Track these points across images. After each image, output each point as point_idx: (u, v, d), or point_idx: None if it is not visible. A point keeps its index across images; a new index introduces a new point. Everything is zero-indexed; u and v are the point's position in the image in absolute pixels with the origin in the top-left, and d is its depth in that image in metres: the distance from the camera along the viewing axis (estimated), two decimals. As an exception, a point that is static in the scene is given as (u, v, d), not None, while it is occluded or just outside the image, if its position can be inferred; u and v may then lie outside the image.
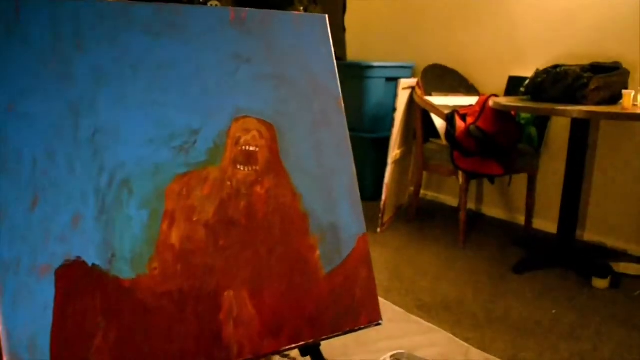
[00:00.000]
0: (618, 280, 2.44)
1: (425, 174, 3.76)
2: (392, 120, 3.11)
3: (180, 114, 0.88)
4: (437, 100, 3.20)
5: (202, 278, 0.83)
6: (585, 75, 2.36)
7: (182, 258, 0.82)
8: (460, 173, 2.93)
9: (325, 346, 1.78)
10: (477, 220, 3.43)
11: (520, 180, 3.23)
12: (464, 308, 2.22)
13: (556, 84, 2.43)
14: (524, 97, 2.69)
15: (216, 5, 3.30)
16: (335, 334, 0.95)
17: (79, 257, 0.76)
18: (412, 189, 3.47)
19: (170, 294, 0.81)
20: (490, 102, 2.71)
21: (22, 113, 0.79)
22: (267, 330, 0.87)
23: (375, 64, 3.70)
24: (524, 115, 3.08)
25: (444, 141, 3.08)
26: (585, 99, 2.34)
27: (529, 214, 3.16)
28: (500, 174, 2.90)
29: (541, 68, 2.62)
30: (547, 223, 3.16)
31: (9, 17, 0.79)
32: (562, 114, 2.36)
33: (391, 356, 1.60)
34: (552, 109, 2.34)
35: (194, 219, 0.84)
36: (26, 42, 0.81)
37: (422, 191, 3.89)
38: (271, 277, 0.88)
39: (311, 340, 0.93)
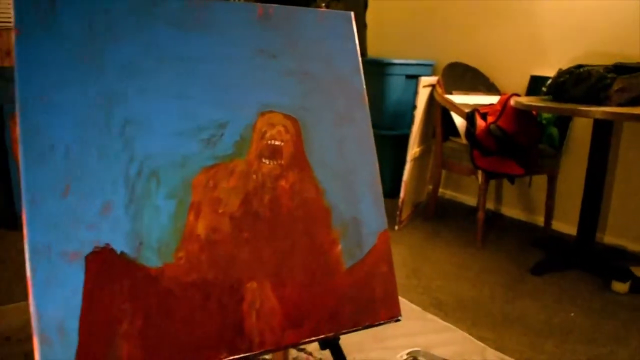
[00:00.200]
0: (638, 284, 2.41)
1: (444, 172, 3.75)
2: (412, 117, 3.10)
3: (207, 107, 0.90)
4: (458, 98, 3.19)
5: (226, 269, 0.85)
6: (609, 75, 2.33)
7: (207, 248, 0.84)
8: (479, 172, 2.91)
9: (342, 342, 1.79)
10: (495, 220, 3.41)
11: (540, 181, 3.20)
12: (480, 308, 2.21)
13: (579, 84, 2.41)
14: (546, 97, 2.67)
15: (241, 1, 3.33)
16: (354, 329, 0.97)
17: (107, 245, 0.78)
18: (430, 187, 3.46)
19: (194, 283, 0.82)
20: (512, 102, 2.69)
21: (55, 104, 0.81)
22: (288, 322, 0.89)
23: (396, 61, 3.69)
24: (545, 115, 3.05)
25: (463, 140, 3.07)
26: (608, 100, 2.32)
27: (549, 215, 3.13)
28: (520, 174, 2.88)
29: (564, 68, 2.60)
30: (566, 225, 3.14)
31: (45, 9, 0.81)
32: (585, 114, 2.33)
33: (408, 353, 1.61)
34: (574, 110, 2.31)
35: (220, 211, 0.86)
36: (60, 34, 0.83)
37: (440, 190, 3.88)
38: (293, 270, 0.90)
39: (331, 334, 0.94)
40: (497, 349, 1.88)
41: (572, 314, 2.18)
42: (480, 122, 2.83)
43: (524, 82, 3.30)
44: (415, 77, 3.16)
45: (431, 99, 3.26)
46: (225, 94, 0.91)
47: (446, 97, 3.14)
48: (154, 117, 0.86)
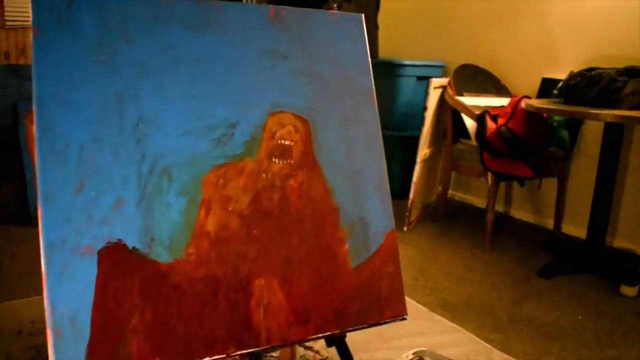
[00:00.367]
0: (647, 288, 2.41)
1: (454, 174, 3.75)
2: (422, 119, 3.11)
3: (218, 106, 0.91)
4: (468, 100, 3.19)
5: (235, 265, 0.87)
6: (620, 78, 2.32)
7: (217, 245, 0.86)
8: (489, 174, 2.91)
9: (348, 341, 1.81)
10: (505, 222, 3.41)
11: (550, 184, 3.19)
12: (487, 309, 2.22)
13: (590, 87, 2.40)
14: (557, 100, 2.66)
15: (252, 1, 3.35)
16: (360, 326, 0.98)
17: (120, 240, 0.80)
18: (440, 188, 3.47)
19: (204, 279, 0.84)
20: (523, 104, 2.68)
21: (70, 102, 0.83)
22: (295, 319, 0.90)
23: (407, 62, 3.70)
24: (556, 117, 3.04)
25: (473, 142, 3.07)
26: (619, 103, 2.31)
27: (559, 218, 3.12)
28: (530, 177, 2.88)
29: (575, 70, 2.59)
30: (576, 228, 3.13)
31: (62, 10, 0.84)
32: (596, 117, 2.33)
33: (414, 353, 1.61)
34: (585, 113, 2.31)
35: (230, 209, 0.87)
36: (76, 34, 0.85)
37: (450, 191, 3.88)
38: (301, 268, 0.91)
39: (337, 332, 0.95)
40: (503, 350, 1.88)
41: (580, 317, 2.17)
42: (490, 124, 2.83)
43: (536, 85, 3.29)
44: (426, 79, 3.16)
45: (442, 101, 3.27)
46: (237, 94, 0.93)
47: (457, 99, 3.14)
48: (166, 116, 0.88)
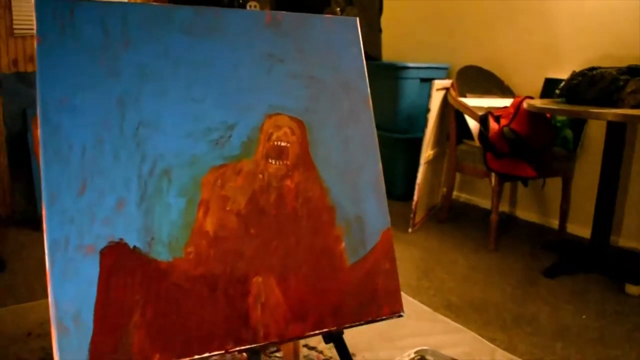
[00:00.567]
0: (652, 287, 2.40)
1: (459, 175, 3.76)
2: (425, 120, 3.12)
3: (216, 109, 0.94)
4: (471, 101, 3.20)
5: (233, 263, 0.89)
6: (622, 77, 2.33)
7: (215, 244, 0.88)
8: (492, 175, 2.92)
9: (351, 340, 1.83)
10: (510, 223, 3.41)
11: (555, 184, 3.20)
12: (491, 309, 2.23)
13: (592, 86, 2.41)
14: (559, 100, 2.67)
15: (255, 7, 3.38)
16: (357, 323, 1.00)
17: (121, 239, 0.83)
18: (444, 189, 3.48)
19: (203, 277, 0.87)
20: (525, 104, 2.70)
21: (74, 106, 0.86)
22: (292, 315, 0.93)
23: (410, 64, 3.72)
24: (559, 117, 3.05)
25: (477, 143, 3.08)
26: (621, 102, 2.32)
27: (563, 217, 3.13)
28: (533, 177, 2.89)
29: (578, 70, 2.60)
30: (581, 228, 3.12)
31: (65, 17, 0.87)
32: (597, 117, 2.33)
33: (415, 352, 1.63)
34: (586, 112, 2.32)
35: (227, 208, 0.90)
36: (79, 40, 0.88)
37: (455, 193, 3.89)
38: (298, 266, 0.93)
39: (334, 328, 0.97)
40: (507, 350, 1.89)
41: (584, 316, 2.18)
42: (493, 125, 2.84)
43: (539, 85, 3.30)
44: (429, 81, 3.17)
45: (445, 102, 3.28)
46: (234, 97, 0.95)
47: (460, 100, 3.15)
48: (166, 119, 0.90)
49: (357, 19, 1.11)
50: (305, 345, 1.86)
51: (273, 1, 3.56)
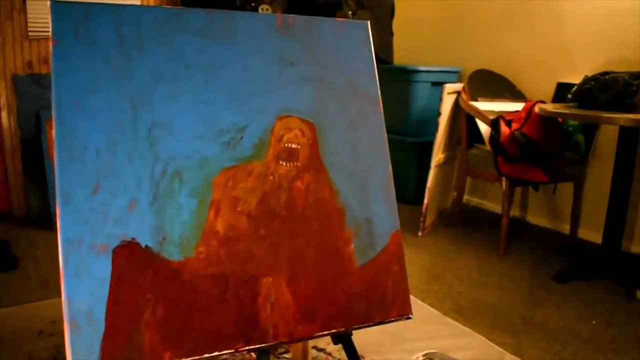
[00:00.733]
0: (664, 293, 2.38)
1: (470, 180, 3.74)
2: (437, 124, 3.12)
3: (228, 112, 0.95)
4: (483, 105, 3.19)
5: (243, 264, 0.90)
6: (635, 82, 2.32)
7: (225, 244, 0.89)
8: (503, 179, 2.91)
9: (360, 342, 1.84)
10: (521, 227, 3.40)
11: (566, 189, 3.18)
12: (501, 314, 2.22)
13: (604, 91, 2.40)
14: (571, 104, 2.66)
15: (267, 10, 3.40)
16: (366, 325, 1.00)
17: (133, 239, 0.84)
18: (455, 193, 3.47)
19: (213, 276, 0.88)
20: (536, 109, 2.69)
21: (88, 108, 0.87)
22: (301, 316, 0.93)
23: (422, 68, 3.72)
24: (571, 122, 3.03)
25: (488, 147, 3.07)
26: (634, 107, 2.30)
27: (575, 223, 3.11)
28: (544, 182, 2.87)
29: (590, 74, 2.59)
30: (593, 233, 3.10)
31: (79, 21, 0.88)
32: (609, 121, 2.32)
33: (424, 355, 1.63)
34: (598, 117, 2.31)
35: (238, 209, 0.91)
36: (93, 43, 0.90)
37: (466, 197, 3.88)
38: (307, 267, 0.94)
39: (343, 329, 0.98)
40: (516, 354, 1.89)
41: (594, 322, 2.16)
42: (504, 129, 2.83)
43: (551, 89, 3.29)
44: (441, 84, 3.17)
45: (456, 106, 3.28)
46: (246, 100, 0.97)
47: (471, 104, 3.15)
48: (178, 121, 0.92)
49: (368, 22, 1.12)
50: (315, 347, 1.87)
51: (285, 5, 3.58)
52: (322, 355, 1.84)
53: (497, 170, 2.90)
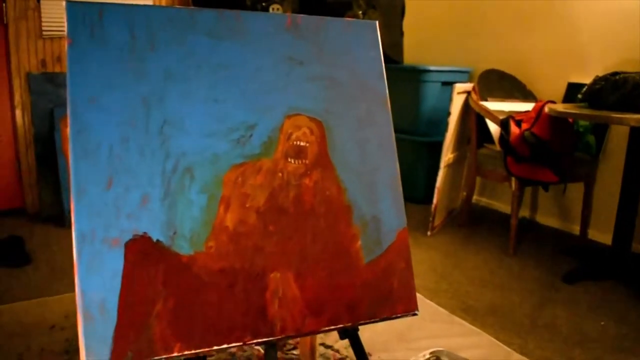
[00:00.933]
0: (674, 295, 2.37)
1: (480, 180, 3.74)
2: (446, 124, 3.13)
3: (238, 110, 0.97)
4: (493, 105, 3.19)
5: (252, 259, 0.92)
6: (646, 83, 2.31)
7: (235, 239, 0.91)
8: (513, 179, 2.91)
9: (368, 341, 1.86)
10: (530, 228, 3.39)
11: (576, 189, 3.17)
12: (509, 314, 2.22)
13: (615, 91, 2.39)
14: (582, 104, 2.65)
15: (278, 10, 3.42)
16: (372, 320, 1.02)
17: (145, 233, 0.86)
18: (464, 193, 3.47)
19: (223, 271, 0.90)
20: (546, 109, 2.68)
21: (101, 105, 0.90)
22: (308, 311, 0.95)
23: (432, 67, 3.72)
24: (582, 122, 3.02)
25: (498, 147, 3.07)
26: (645, 108, 2.29)
27: (585, 223, 3.10)
28: (554, 182, 2.87)
29: (601, 74, 2.58)
30: (603, 234, 3.09)
31: (93, 21, 0.90)
32: (619, 122, 2.32)
33: (431, 353, 1.64)
34: (608, 117, 2.30)
35: (247, 205, 0.93)
36: (106, 42, 0.92)
37: (476, 197, 3.88)
38: (315, 263, 0.96)
39: (349, 324, 0.99)
40: (523, 354, 1.89)
41: (603, 323, 2.16)
42: (514, 129, 2.83)
43: (562, 89, 3.28)
44: (451, 84, 3.18)
45: (466, 106, 3.28)
46: (255, 98, 0.98)
47: (481, 104, 3.15)
48: (189, 119, 0.94)
49: (377, 22, 1.13)
50: (322, 344, 1.88)
51: (296, 4, 3.60)
52: (329, 352, 1.85)
53: (507, 170, 2.90)
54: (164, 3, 3.50)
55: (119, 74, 0.92)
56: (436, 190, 3.14)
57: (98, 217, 0.85)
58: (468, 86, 3.28)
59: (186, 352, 0.85)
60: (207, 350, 0.86)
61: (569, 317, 2.20)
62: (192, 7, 0.97)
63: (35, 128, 3.21)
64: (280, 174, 0.97)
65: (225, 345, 0.87)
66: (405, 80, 3.79)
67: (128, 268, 0.84)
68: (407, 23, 4.14)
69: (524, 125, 2.85)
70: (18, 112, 3.20)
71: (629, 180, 2.58)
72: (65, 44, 0.89)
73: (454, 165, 3.41)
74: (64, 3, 0.91)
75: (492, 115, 3.03)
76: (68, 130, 0.88)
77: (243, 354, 1.77)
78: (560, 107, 2.61)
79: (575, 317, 2.21)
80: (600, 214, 3.11)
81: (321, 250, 0.97)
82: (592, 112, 2.40)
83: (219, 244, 0.90)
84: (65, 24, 0.90)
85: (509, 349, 1.92)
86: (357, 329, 1.04)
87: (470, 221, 3.43)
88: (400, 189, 1.07)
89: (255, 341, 0.89)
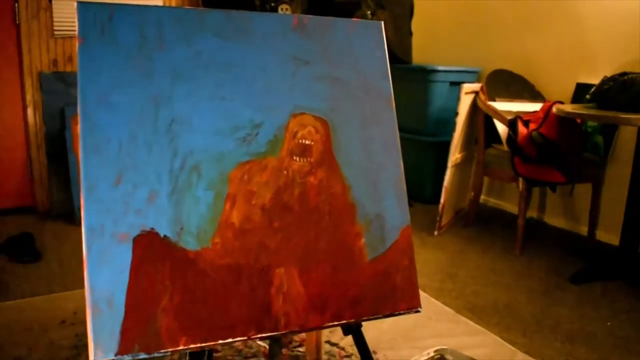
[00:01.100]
0: (682, 296, 2.36)
1: (489, 180, 3.74)
2: (454, 124, 3.13)
3: (244, 109, 0.99)
4: (501, 105, 3.19)
5: (257, 255, 0.94)
6: (654, 84, 2.30)
7: (240, 236, 0.93)
8: (520, 179, 2.91)
9: (373, 339, 1.87)
10: (538, 228, 3.39)
11: (585, 190, 3.16)
12: (514, 313, 2.23)
13: (623, 92, 2.39)
14: (590, 105, 2.65)
15: (286, 10, 3.44)
16: (375, 317, 1.03)
17: (153, 229, 0.88)
18: (472, 193, 3.47)
19: (228, 266, 0.91)
20: (554, 109, 2.68)
21: (111, 103, 0.92)
22: (312, 306, 0.97)
23: (440, 67, 3.73)
24: (590, 123, 3.02)
25: (505, 147, 3.07)
26: (653, 109, 2.29)
27: (593, 224, 3.09)
28: (561, 182, 2.86)
29: (610, 75, 2.58)
30: (611, 235, 3.08)
31: (104, 21, 0.92)
32: (627, 122, 2.31)
33: (435, 351, 1.65)
34: (616, 117, 2.30)
35: (253, 202, 0.95)
36: (116, 42, 0.94)
37: (484, 197, 3.88)
38: (319, 259, 0.97)
39: (352, 320, 1.01)
40: (528, 353, 1.90)
41: (609, 323, 2.16)
42: (522, 129, 2.83)
43: (570, 90, 3.27)
44: (459, 84, 3.18)
45: (474, 106, 3.28)
46: (261, 97, 1.00)
47: (489, 104, 3.15)
48: (196, 117, 0.96)
49: (382, 22, 1.15)
50: (328, 342, 1.90)
51: (305, 4, 3.61)
52: (335, 349, 1.87)
53: (514, 170, 2.91)
54: (173, 4, 3.53)
55: (129, 73, 0.94)
56: (443, 190, 3.15)
57: (107, 213, 0.87)
58: (476, 86, 3.28)
59: (192, 346, 0.87)
60: (213, 344, 0.88)
61: (575, 317, 2.21)
62: (200, 8, 0.99)
63: (47, 127, 3.25)
64: (285, 172, 0.98)
65: (230, 340, 0.89)
66: (414, 80, 3.80)
67: (136, 263, 0.86)
68: (416, 23, 4.14)
69: (532, 126, 2.85)
70: (30, 111, 3.24)
71: (637, 181, 2.58)
72: (76, 44, 0.91)
73: (461, 165, 3.41)
74: (75, 3, 0.93)
75: (500, 116, 3.03)
76: (78, 128, 0.90)
77: (250, 351, 1.79)
78: (567, 108, 2.61)
79: (581, 317, 2.21)
80: (609, 214, 3.10)
81: (325, 247, 0.99)
82: (600, 112, 2.39)
83: (225, 240, 0.92)
84: (76, 24, 0.93)
85: (513, 348, 1.92)
86: (361, 325, 1.05)
87: (478, 221, 3.43)
88: (404, 187, 1.08)
89: (259, 336, 0.91)
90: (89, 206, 0.86)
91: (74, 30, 3.18)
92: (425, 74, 3.75)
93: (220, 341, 0.88)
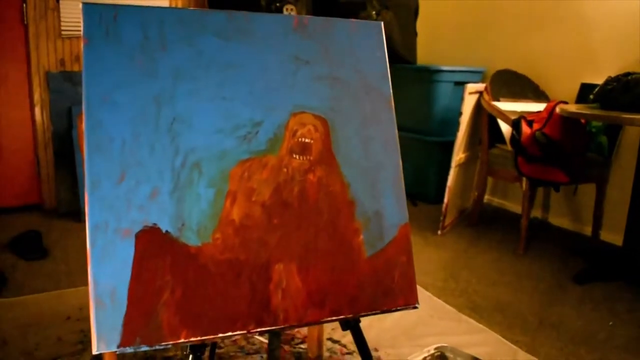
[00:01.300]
0: (685, 297, 2.36)
1: (493, 180, 3.75)
2: (458, 124, 3.14)
3: (245, 108, 1.01)
4: (505, 105, 3.20)
5: (257, 251, 0.96)
6: (657, 84, 2.30)
7: (240, 232, 0.95)
8: (523, 179, 2.92)
9: (375, 337, 1.89)
10: (542, 228, 3.39)
11: (589, 190, 3.17)
12: (516, 312, 2.23)
13: (627, 92, 2.39)
14: (594, 105, 2.65)
15: (291, 10, 3.46)
16: (373, 312, 1.05)
17: (155, 224, 0.90)
18: (476, 193, 3.48)
19: (228, 262, 0.93)
20: (558, 109, 2.69)
21: (115, 102, 0.94)
22: (311, 302, 0.98)
23: (444, 68, 3.73)
24: (594, 123, 3.02)
25: (509, 147, 3.08)
26: (656, 109, 2.29)
27: (597, 224, 3.09)
28: (565, 182, 2.87)
29: (614, 75, 2.58)
30: (615, 235, 3.08)
31: (109, 21, 0.95)
32: (631, 122, 2.32)
33: (435, 348, 1.66)
34: (619, 117, 2.30)
35: (253, 199, 0.97)
36: (120, 42, 0.96)
37: (488, 197, 3.88)
38: (318, 256, 0.99)
39: (350, 316, 1.02)
40: (530, 352, 1.91)
41: (611, 323, 2.16)
42: (525, 129, 2.84)
43: (574, 90, 3.27)
44: (464, 84, 3.19)
45: (478, 106, 3.29)
46: (262, 97, 1.02)
47: (493, 104, 3.15)
48: (198, 116, 0.97)
49: (382, 23, 1.16)
50: (329, 339, 1.92)
51: (309, 5, 3.63)
52: (336, 346, 1.88)
53: (517, 170, 2.91)
54: (179, 4, 3.56)
55: (132, 72, 0.96)
56: (447, 190, 3.16)
57: (110, 209, 0.89)
58: (480, 86, 3.29)
59: (192, 339, 0.89)
60: (213, 338, 0.90)
61: (577, 316, 2.21)
62: (203, 9, 1.01)
63: (54, 126, 3.29)
64: (285, 170, 1.00)
65: (230, 333, 0.91)
66: (418, 80, 3.81)
67: (138, 258, 0.88)
68: (421, 23, 4.15)
69: (536, 126, 2.86)
70: (37, 110, 3.28)
71: (640, 181, 2.58)
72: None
73: (465, 165, 3.42)
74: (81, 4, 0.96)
75: (504, 116, 3.04)
76: (83, 126, 0.92)
77: (252, 347, 1.81)
78: (570, 108, 2.62)
79: (583, 316, 2.21)
80: (613, 215, 3.10)
81: (324, 243, 1.00)
82: (603, 112, 2.40)
83: (225, 236, 0.94)
84: (82, 25, 0.95)
85: (515, 347, 1.93)
86: (359, 321, 1.07)
87: (481, 221, 3.43)
88: (403, 185, 1.09)
89: (259, 330, 0.93)
90: (93, 203, 0.88)
91: (81, 30, 3.20)
92: (429, 74, 3.76)
93: (220, 335, 0.90)
